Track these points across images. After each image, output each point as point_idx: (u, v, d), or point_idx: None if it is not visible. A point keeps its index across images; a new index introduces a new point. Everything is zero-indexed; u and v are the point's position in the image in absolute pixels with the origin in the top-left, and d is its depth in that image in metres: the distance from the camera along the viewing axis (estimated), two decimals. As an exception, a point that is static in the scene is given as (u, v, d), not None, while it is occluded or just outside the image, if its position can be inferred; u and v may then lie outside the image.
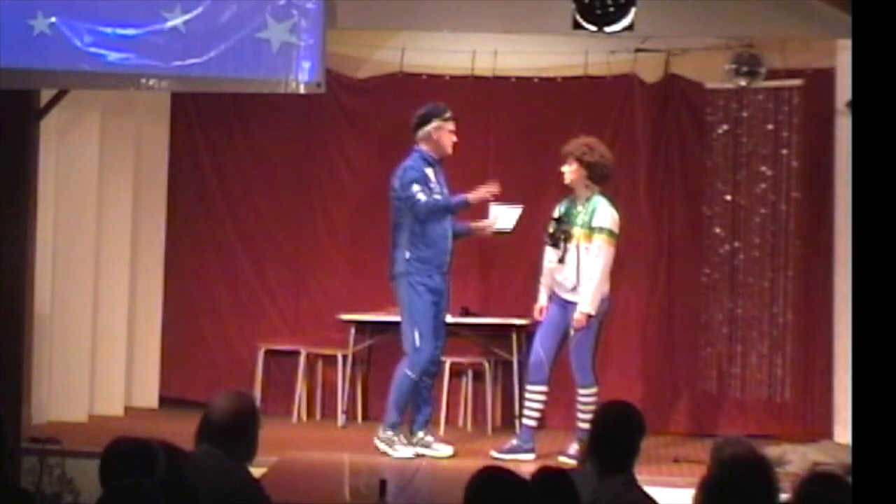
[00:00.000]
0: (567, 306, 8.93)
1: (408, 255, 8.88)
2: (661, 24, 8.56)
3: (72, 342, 9.71)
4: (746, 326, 10.16)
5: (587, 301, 8.82)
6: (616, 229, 8.93)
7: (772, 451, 8.05)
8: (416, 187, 8.82)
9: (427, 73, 10.63)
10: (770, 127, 10.07)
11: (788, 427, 10.00)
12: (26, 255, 8.65)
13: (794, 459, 8.48)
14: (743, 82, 9.78)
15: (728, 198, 10.16)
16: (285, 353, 10.57)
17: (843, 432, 9.44)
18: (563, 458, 8.57)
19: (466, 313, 10.31)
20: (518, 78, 10.62)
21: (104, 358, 10.09)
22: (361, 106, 10.70)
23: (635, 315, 10.39)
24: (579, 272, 8.87)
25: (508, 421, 9.86)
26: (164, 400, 10.64)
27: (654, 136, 10.48)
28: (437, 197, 8.88)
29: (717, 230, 10.19)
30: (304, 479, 8.15)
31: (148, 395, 10.63)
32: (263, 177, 10.78)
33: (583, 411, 8.79)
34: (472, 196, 8.94)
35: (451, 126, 8.98)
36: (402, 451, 8.85)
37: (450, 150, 9.00)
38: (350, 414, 10.32)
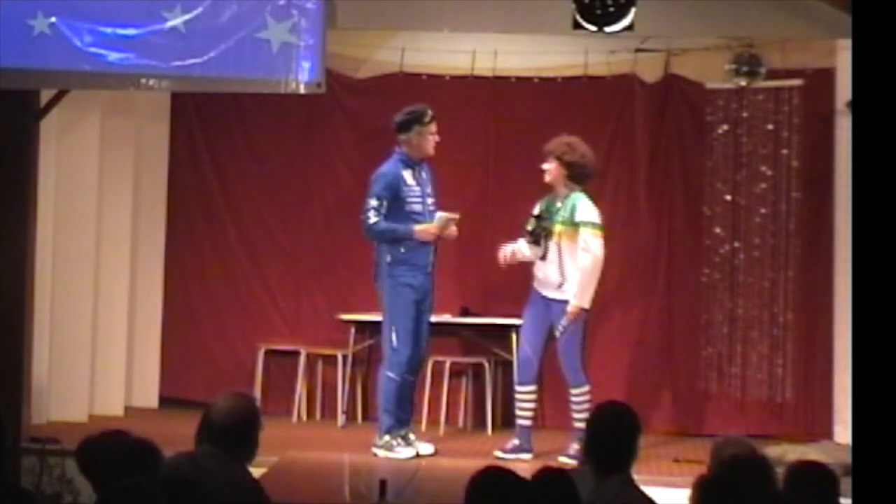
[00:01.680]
0: (551, 304, 8.91)
1: (388, 257, 8.89)
2: (661, 24, 8.56)
3: (72, 342, 9.71)
4: (746, 326, 10.15)
5: (579, 293, 8.80)
6: (600, 221, 8.92)
7: (772, 451, 8.04)
8: (373, 202, 8.83)
9: (427, 73, 10.62)
10: (770, 127, 10.07)
11: (788, 427, 10.00)
12: (26, 255, 8.66)
13: (794, 459, 8.46)
14: (743, 82, 9.77)
15: (728, 198, 10.15)
16: (285, 353, 10.56)
17: (843, 432, 9.45)
18: (563, 458, 8.56)
19: (466, 313, 10.32)
20: (518, 78, 10.60)
21: (104, 358, 10.08)
22: (361, 106, 10.69)
23: (635, 315, 10.38)
24: (562, 270, 8.86)
25: (508, 421, 9.84)
26: (164, 400, 10.63)
27: (654, 136, 10.47)
28: (416, 205, 8.88)
29: (717, 230, 10.19)
30: (304, 479, 8.15)
31: (148, 395, 10.63)
32: (263, 177, 10.77)
33: (577, 411, 8.79)
34: (419, 230, 8.84)
35: (432, 129, 8.97)
36: (404, 451, 8.85)
37: (431, 152, 8.99)
38: (350, 414, 10.32)
